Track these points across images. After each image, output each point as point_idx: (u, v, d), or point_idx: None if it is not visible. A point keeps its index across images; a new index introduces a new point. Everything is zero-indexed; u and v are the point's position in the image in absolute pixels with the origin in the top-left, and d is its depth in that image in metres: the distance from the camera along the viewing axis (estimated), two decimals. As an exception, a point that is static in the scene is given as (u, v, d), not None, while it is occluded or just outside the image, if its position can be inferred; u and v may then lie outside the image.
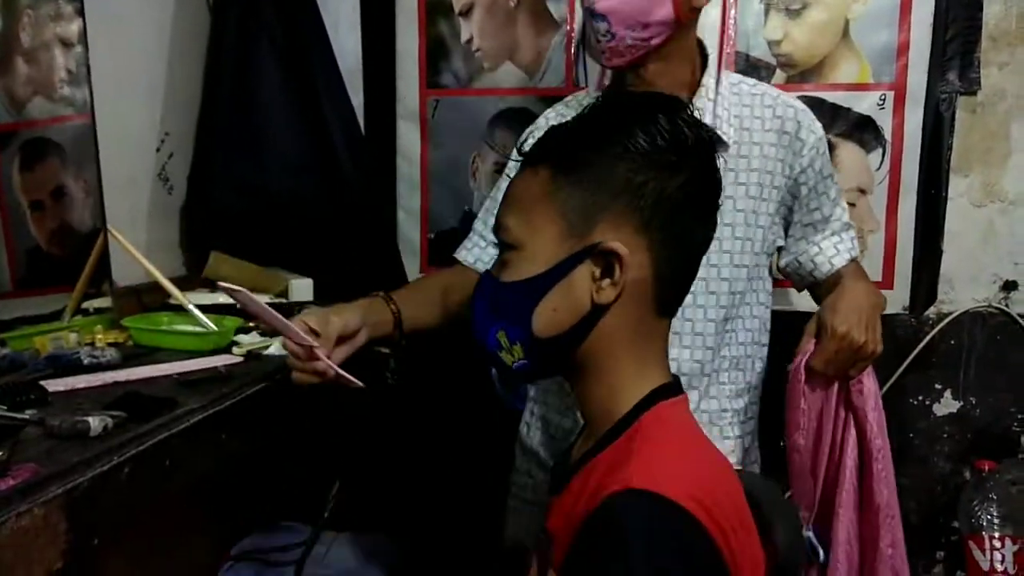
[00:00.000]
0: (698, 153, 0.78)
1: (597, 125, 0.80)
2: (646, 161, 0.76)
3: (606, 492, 0.69)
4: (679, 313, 0.86)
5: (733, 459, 1.28)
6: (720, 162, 1.22)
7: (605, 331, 0.78)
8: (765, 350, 1.34)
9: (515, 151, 0.85)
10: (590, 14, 1.19)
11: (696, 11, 1.21)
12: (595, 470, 0.76)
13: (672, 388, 0.80)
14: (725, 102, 1.25)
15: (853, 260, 1.33)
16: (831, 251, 1.31)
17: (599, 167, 0.76)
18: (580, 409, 0.85)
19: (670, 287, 0.80)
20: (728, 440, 1.30)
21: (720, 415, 1.29)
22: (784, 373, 1.24)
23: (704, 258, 0.83)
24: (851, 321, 1.16)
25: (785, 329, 1.29)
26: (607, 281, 0.76)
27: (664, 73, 1.24)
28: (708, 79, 1.26)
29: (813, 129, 1.27)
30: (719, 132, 1.22)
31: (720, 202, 0.82)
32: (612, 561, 0.66)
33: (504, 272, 0.81)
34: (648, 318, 0.79)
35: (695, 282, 0.84)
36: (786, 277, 1.37)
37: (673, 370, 0.85)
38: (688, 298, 0.86)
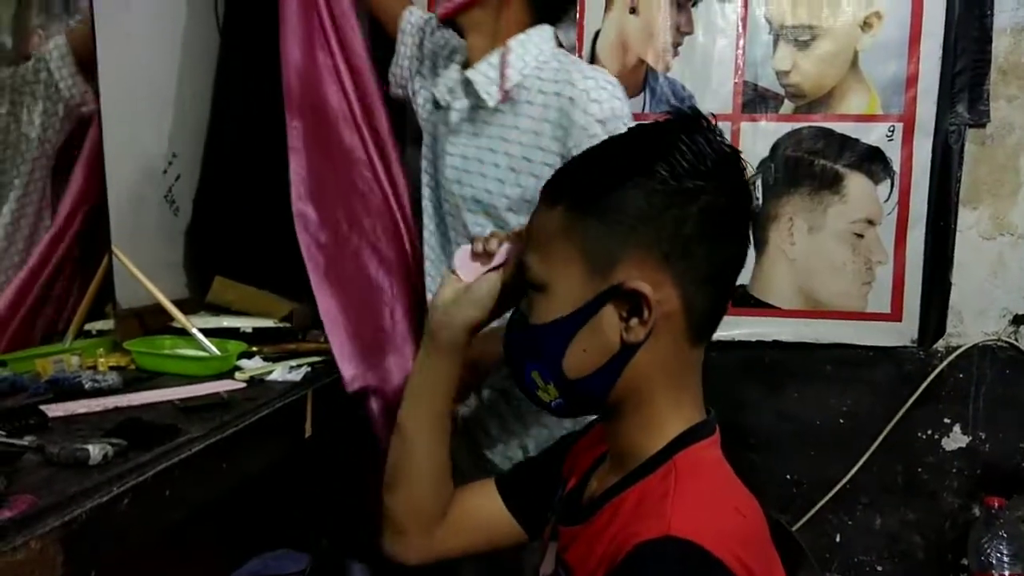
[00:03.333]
0: (718, 173, 0.75)
1: (610, 159, 0.79)
2: (661, 192, 0.74)
3: (641, 537, 0.67)
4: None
5: None
6: (488, 127, 1.34)
7: (639, 368, 0.77)
8: None
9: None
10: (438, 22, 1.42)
11: None
12: (622, 507, 0.75)
13: (706, 426, 0.79)
14: (512, 69, 1.31)
15: None
16: None
17: (614, 202, 0.75)
18: (607, 442, 0.83)
19: (702, 315, 0.77)
20: None
21: None
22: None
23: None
24: None
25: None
26: (635, 320, 0.74)
27: (478, 25, 1.35)
28: (497, 50, 1.33)
29: (589, 111, 1.25)
30: (483, 93, 1.32)
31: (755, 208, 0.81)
32: None
33: (532, 314, 0.80)
34: (683, 350, 0.78)
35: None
36: None
37: None
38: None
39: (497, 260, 0.91)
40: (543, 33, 1.36)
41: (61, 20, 1.44)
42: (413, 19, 1.59)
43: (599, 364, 0.77)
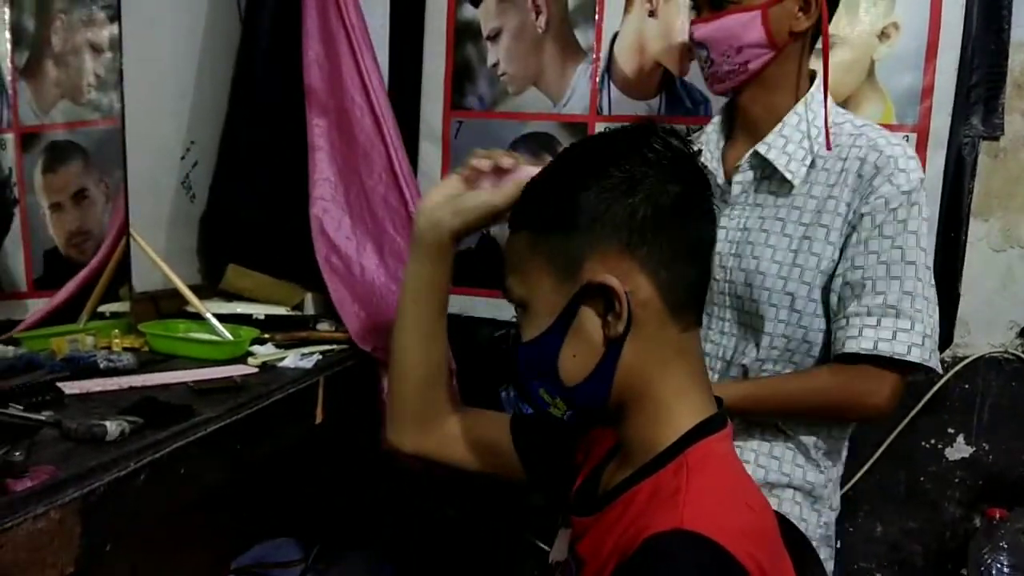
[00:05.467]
0: (670, 166, 0.77)
1: (563, 171, 0.82)
2: (613, 187, 0.76)
3: (651, 530, 0.68)
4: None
5: None
6: (776, 199, 1.23)
7: (631, 362, 0.77)
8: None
9: None
10: (692, 42, 1.26)
11: (798, 37, 1.21)
12: (634, 500, 0.75)
13: (718, 420, 0.79)
14: (805, 140, 1.22)
15: (890, 361, 1.14)
16: (852, 331, 1.16)
17: (570, 208, 0.77)
18: (620, 438, 0.84)
19: (680, 297, 0.78)
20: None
21: None
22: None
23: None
24: None
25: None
26: (612, 315, 0.76)
27: (758, 100, 1.26)
28: (791, 116, 1.23)
29: (893, 180, 1.16)
30: (786, 172, 1.21)
31: (717, 205, 0.82)
32: None
33: (523, 333, 0.82)
34: (671, 335, 0.78)
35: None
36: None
37: None
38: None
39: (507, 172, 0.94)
40: (820, 87, 1.25)
41: (85, 6, 1.45)
42: None
43: (592, 366, 0.78)
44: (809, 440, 1.25)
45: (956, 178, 1.71)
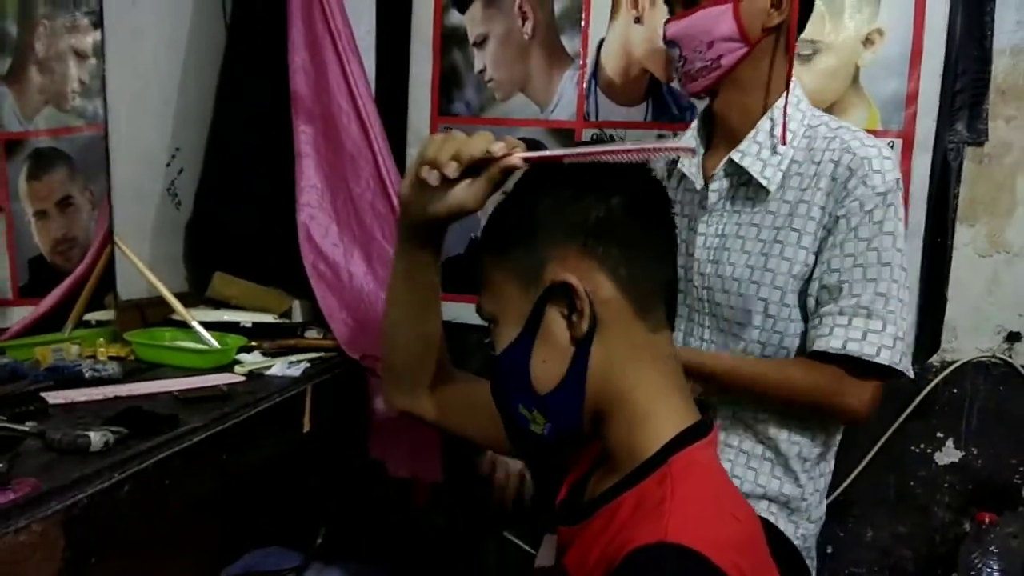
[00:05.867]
0: (623, 173, 0.78)
1: (513, 194, 0.83)
2: (567, 193, 0.78)
3: (637, 543, 0.67)
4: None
5: None
6: (753, 205, 1.23)
7: (601, 363, 0.77)
8: None
9: None
10: (665, 42, 1.25)
11: (770, 33, 1.20)
12: (619, 510, 0.74)
13: (701, 427, 0.79)
14: (790, 147, 1.21)
15: (864, 365, 1.13)
16: (824, 329, 1.15)
17: (527, 218, 0.79)
18: (603, 446, 0.83)
19: (642, 294, 0.78)
20: None
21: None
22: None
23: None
24: None
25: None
26: (575, 314, 0.76)
27: (734, 105, 1.24)
28: (764, 122, 1.22)
29: (867, 181, 1.14)
30: (761, 179, 1.21)
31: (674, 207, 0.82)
32: None
33: (496, 347, 0.83)
34: (638, 336, 0.78)
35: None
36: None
37: None
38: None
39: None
40: (798, 90, 1.25)
41: (68, 12, 1.44)
42: None
43: (563, 371, 0.78)
44: (792, 449, 1.23)
45: (942, 184, 1.72)
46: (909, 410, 1.76)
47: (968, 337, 1.75)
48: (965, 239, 1.74)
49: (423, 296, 1.03)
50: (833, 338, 1.13)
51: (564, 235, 0.77)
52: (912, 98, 1.72)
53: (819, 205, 1.17)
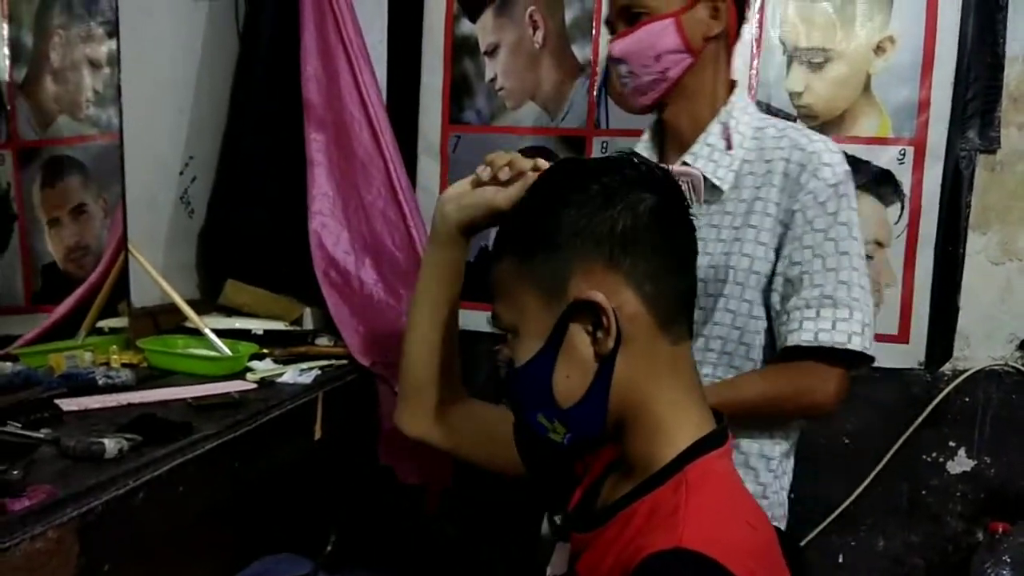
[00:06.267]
0: (646, 180, 0.78)
1: (541, 196, 0.82)
2: (591, 204, 0.76)
3: (651, 549, 0.67)
4: None
5: None
6: (709, 207, 1.24)
7: (624, 378, 0.77)
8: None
9: None
10: (611, 61, 1.27)
11: (711, 42, 1.23)
12: (633, 517, 0.74)
13: (718, 436, 0.79)
14: (739, 148, 1.24)
15: (833, 353, 1.15)
16: (793, 324, 1.17)
17: (550, 228, 0.77)
18: (619, 451, 0.83)
19: (667, 310, 0.78)
20: None
21: None
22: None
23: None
24: None
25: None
26: (600, 331, 0.75)
27: (682, 113, 1.27)
28: (715, 125, 1.25)
29: (818, 174, 1.18)
30: (714, 179, 1.23)
31: (693, 213, 0.81)
32: None
33: (515, 359, 0.82)
34: (661, 349, 0.78)
35: None
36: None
37: None
38: None
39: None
40: (743, 93, 1.29)
41: (83, 21, 1.46)
42: None
43: (586, 386, 0.77)
44: (752, 447, 1.24)
45: (954, 191, 1.71)
46: (921, 419, 1.75)
47: (980, 345, 1.74)
48: (977, 247, 1.73)
49: (445, 303, 1.05)
50: (804, 331, 1.15)
51: (589, 248, 0.76)
52: (924, 106, 1.71)
53: (774, 201, 1.20)
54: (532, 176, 0.92)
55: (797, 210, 1.18)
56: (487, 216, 0.98)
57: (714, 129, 1.25)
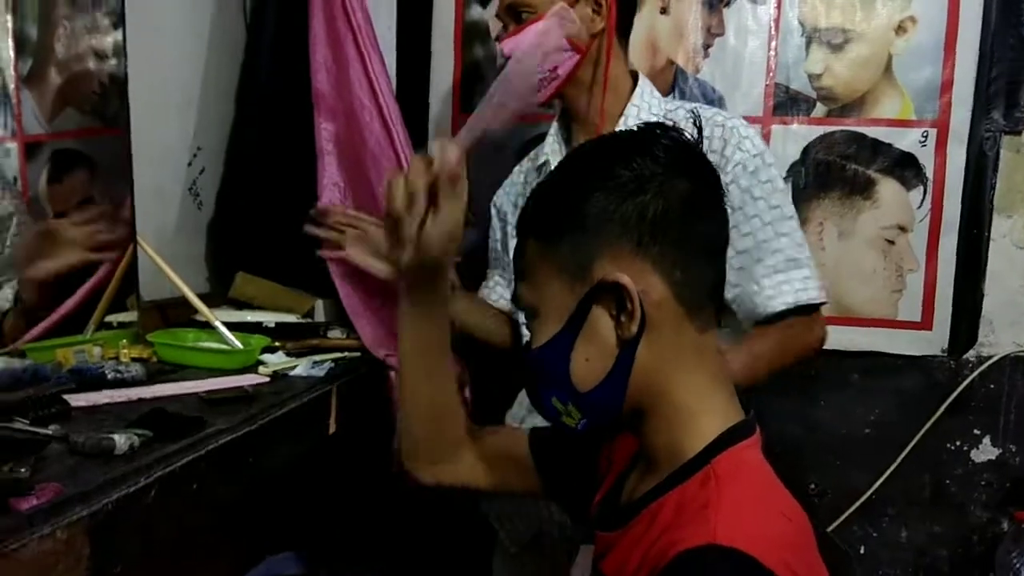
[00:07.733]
0: (675, 161, 0.75)
1: (568, 176, 0.80)
2: (620, 187, 0.74)
3: (682, 545, 0.65)
4: None
5: None
6: None
7: (647, 364, 0.75)
8: None
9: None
10: (504, 58, 1.30)
11: (597, 36, 1.27)
12: (660, 513, 0.72)
13: (747, 426, 0.76)
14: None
15: (807, 306, 1.22)
16: (770, 291, 1.22)
17: (578, 210, 0.75)
18: (641, 445, 0.81)
19: (694, 296, 0.76)
20: None
21: None
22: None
23: None
24: None
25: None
26: (624, 315, 0.73)
27: (582, 100, 1.32)
28: (631, 107, 1.30)
29: (741, 147, 1.23)
30: None
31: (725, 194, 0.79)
32: None
33: (534, 339, 0.80)
34: (687, 336, 0.76)
35: None
36: (736, 313, 1.28)
37: None
38: None
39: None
40: (646, 81, 1.35)
41: (88, 12, 1.43)
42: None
43: (605, 369, 0.75)
44: None
45: (978, 174, 1.68)
46: (945, 406, 1.72)
47: (1005, 331, 1.71)
48: (1003, 230, 1.70)
49: (433, 357, 0.97)
50: (781, 295, 1.21)
51: (617, 232, 0.74)
52: (946, 87, 1.68)
53: None
54: (447, 186, 0.83)
55: (730, 182, 1.22)
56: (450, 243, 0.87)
57: (631, 112, 1.30)
